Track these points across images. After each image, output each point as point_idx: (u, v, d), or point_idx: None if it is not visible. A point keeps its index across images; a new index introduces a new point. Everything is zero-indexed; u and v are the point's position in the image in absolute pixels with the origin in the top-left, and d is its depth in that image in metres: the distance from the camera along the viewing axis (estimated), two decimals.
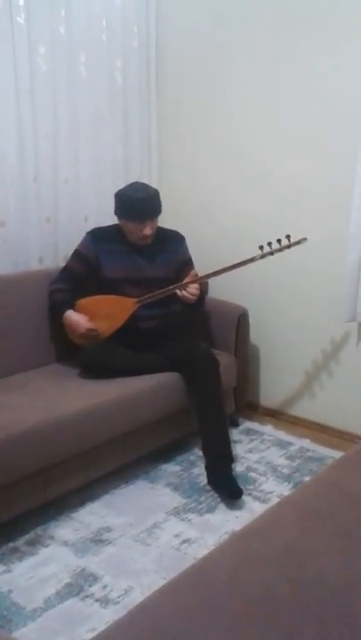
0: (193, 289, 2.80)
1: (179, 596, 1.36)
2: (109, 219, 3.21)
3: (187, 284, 2.80)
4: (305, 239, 2.79)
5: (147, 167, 3.59)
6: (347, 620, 1.26)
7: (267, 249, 2.76)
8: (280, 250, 2.77)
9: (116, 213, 2.94)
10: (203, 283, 2.89)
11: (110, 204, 3.03)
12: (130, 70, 3.39)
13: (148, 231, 2.88)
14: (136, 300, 2.87)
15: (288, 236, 2.76)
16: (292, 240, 2.77)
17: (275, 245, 2.76)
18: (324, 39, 2.91)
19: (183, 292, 2.80)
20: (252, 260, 2.77)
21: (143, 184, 2.97)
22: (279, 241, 2.76)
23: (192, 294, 2.80)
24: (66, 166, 3.18)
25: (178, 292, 2.81)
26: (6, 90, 2.86)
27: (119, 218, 2.94)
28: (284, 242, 2.77)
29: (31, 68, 2.93)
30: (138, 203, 2.84)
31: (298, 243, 2.78)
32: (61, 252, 3.22)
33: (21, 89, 2.91)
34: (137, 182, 3.01)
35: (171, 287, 2.84)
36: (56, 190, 3.17)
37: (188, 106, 3.51)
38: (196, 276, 2.84)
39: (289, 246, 2.77)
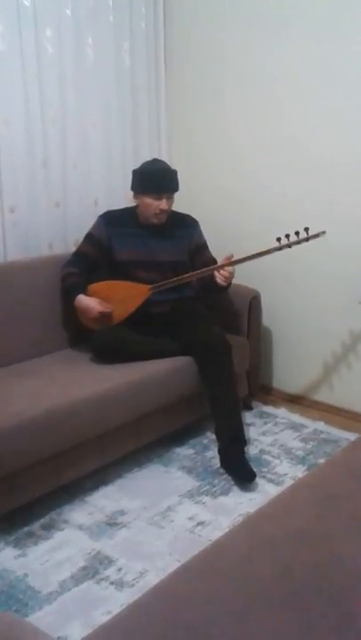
0: (226, 271, 2.78)
1: (193, 579, 1.36)
2: (119, 202, 3.20)
3: (219, 268, 2.78)
4: (323, 232, 2.74)
5: (156, 150, 3.57)
6: None
7: (284, 241, 2.73)
8: (298, 242, 2.73)
9: (132, 189, 2.93)
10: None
11: (120, 188, 3.02)
12: (138, 52, 3.36)
13: (164, 206, 2.86)
14: (149, 286, 2.86)
15: (307, 229, 2.72)
16: (311, 233, 2.73)
17: (293, 238, 2.73)
18: (339, 14, 2.86)
19: (219, 273, 2.79)
20: (268, 252, 2.74)
21: (162, 160, 2.99)
22: (297, 233, 2.72)
23: (226, 276, 2.78)
24: (74, 150, 3.17)
25: (216, 273, 2.79)
26: (13, 74, 2.84)
27: (136, 193, 2.92)
28: (303, 234, 2.73)
29: (38, 52, 2.91)
30: (157, 176, 2.85)
31: (316, 236, 2.74)
32: (71, 237, 3.22)
33: (28, 73, 2.89)
34: (156, 158, 3.02)
35: (186, 275, 2.84)
36: (65, 175, 3.16)
37: (198, 87, 3.48)
38: (231, 257, 2.80)
39: (307, 239, 2.73)
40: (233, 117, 3.36)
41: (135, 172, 2.91)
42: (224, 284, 2.81)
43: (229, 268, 2.79)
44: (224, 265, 2.77)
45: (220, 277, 2.79)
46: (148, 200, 2.87)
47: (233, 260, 2.77)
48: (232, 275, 2.81)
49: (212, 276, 2.81)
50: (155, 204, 2.86)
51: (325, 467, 1.86)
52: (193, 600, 1.28)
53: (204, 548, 1.50)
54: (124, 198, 3.22)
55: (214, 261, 2.94)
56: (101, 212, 3.05)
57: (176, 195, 2.94)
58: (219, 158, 3.48)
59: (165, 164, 2.95)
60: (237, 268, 2.83)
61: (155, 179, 2.85)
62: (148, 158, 3.25)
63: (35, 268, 2.98)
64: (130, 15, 3.27)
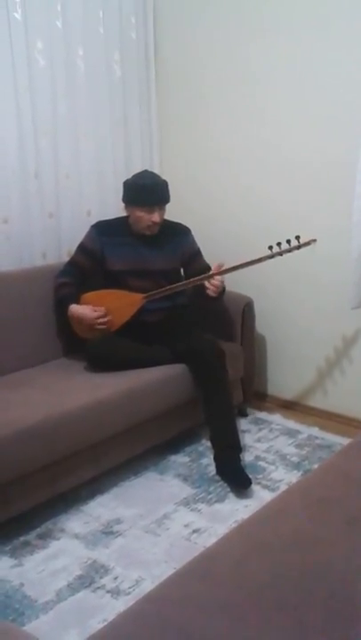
0: (217, 281, 2.79)
1: (186, 585, 1.36)
2: (112, 212, 3.21)
3: (209, 277, 2.78)
4: (314, 240, 2.77)
5: (148, 159, 3.59)
6: (355, 606, 1.26)
7: (276, 249, 2.75)
8: (289, 251, 2.76)
9: (124, 201, 2.94)
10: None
11: (112, 198, 3.03)
12: (128, 62, 3.39)
13: (156, 218, 2.88)
14: (143, 295, 2.87)
15: (298, 237, 2.75)
16: (302, 241, 2.76)
17: (284, 246, 2.75)
18: (325, 22, 2.90)
19: (209, 283, 2.79)
20: (260, 260, 2.76)
21: (153, 172, 3.00)
22: (289, 242, 2.75)
23: (216, 286, 2.78)
24: (67, 161, 3.18)
25: (206, 283, 2.80)
26: (5, 86, 2.86)
27: (127, 205, 2.94)
28: (294, 243, 2.75)
29: (29, 64, 2.93)
30: (147, 189, 2.85)
31: (307, 244, 2.77)
32: (65, 247, 3.23)
33: (20, 85, 2.91)
34: (146, 170, 3.02)
35: (180, 284, 2.86)
36: (58, 185, 3.17)
37: (188, 96, 3.50)
38: (221, 267, 2.81)
39: (298, 247, 2.76)
40: (224, 126, 3.38)
41: (126, 185, 2.92)
42: (214, 294, 2.81)
43: (219, 278, 2.79)
44: (214, 274, 2.78)
45: (210, 288, 2.79)
46: (140, 213, 2.88)
47: (226, 268, 2.78)
48: (222, 284, 2.82)
49: (203, 287, 2.82)
50: (146, 217, 2.88)
51: (318, 472, 1.87)
52: (187, 605, 1.28)
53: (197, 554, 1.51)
54: (116, 208, 3.24)
55: (208, 268, 2.96)
56: (95, 222, 3.06)
57: (168, 203, 2.96)
58: (210, 167, 3.50)
59: (156, 176, 2.95)
60: (230, 275, 2.85)
61: (145, 192, 2.85)
62: (140, 168, 3.27)
63: (28, 279, 2.99)
64: (120, 26, 3.29)
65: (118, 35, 3.30)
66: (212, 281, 2.78)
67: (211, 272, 2.81)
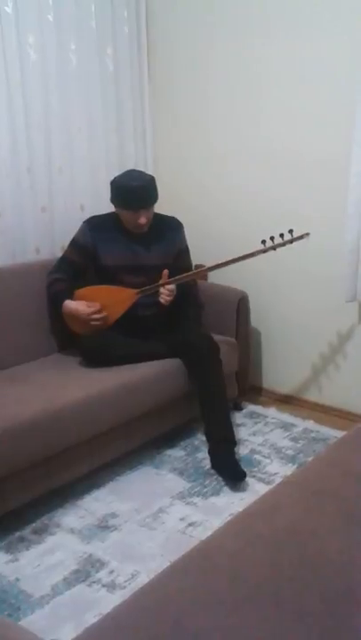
0: (167, 291, 2.83)
1: (182, 579, 1.37)
2: (105, 207, 3.20)
3: (163, 284, 2.83)
4: (308, 234, 2.79)
5: (141, 153, 3.58)
6: (351, 598, 1.26)
7: (269, 243, 2.76)
8: (282, 244, 2.76)
9: (111, 201, 2.93)
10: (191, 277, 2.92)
11: (106, 192, 3.02)
12: (121, 57, 3.37)
13: (142, 220, 2.87)
14: (136, 290, 2.87)
15: (291, 231, 2.75)
16: (295, 235, 2.76)
17: (277, 240, 2.76)
18: (318, 18, 2.89)
19: (161, 293, 2.84)
20: (253, 254, 2.77)
21: (139, 172, 2.96)
22: (282, 235, 2.75)
23: (167, 295, 2.83)
24: (59, 156, 3.17)
25: (161, 289, 2.83)
26: None
27: (115, 206, 2.93)
28: (287, 236, 2.76)
29: (21, 58, 2.91)
30: (132, 191, 2.82)
31: (300, 238, 2.78)
32: (58, 242, 3.22)
33: (12, 79, 2.89)
34: (133, 170, 2.99)
35: (173, 279, 2.85)
36: (51, 180, 3.16)
37: (181, 90, 3.49)
38: (168, 276, 2.85)
39: (291, 241, 2.77)
40: (217, 121, 3.38)
41: (112, 185, 2.89)
42: (166, 303, 2.85)
43: (170, 287, 2.83)
44: (205, 270, 2.79)
45: (164, 298, 2.84)
46: (126, 215, 2.88)
47: (220, 262, 2.78)
48: (173, 292, 2.85)
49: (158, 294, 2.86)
50: (133, 219, 2.87)
51: (312, 464, 1.88)
52: (181, 599, 1.28)
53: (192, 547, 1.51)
54: (109, 203, 3.22)
55: (191, 269, 2.96)
56: (87, 217, 3.05)
57: (161, 198, 2.95)
58: (203, 162, 3.49)
59: (142, 175, 2.89)
60: (225, 269, 2.85)
61: (130, 195, 2.82)
62: (134, 162, 3.27)
63: (22, 274, 2.98)
64: (112, 20, 3.27)
65: (111, 29, 3.28)
66: (163, 290, 2.82)
67: (197, 270, 2.82)
